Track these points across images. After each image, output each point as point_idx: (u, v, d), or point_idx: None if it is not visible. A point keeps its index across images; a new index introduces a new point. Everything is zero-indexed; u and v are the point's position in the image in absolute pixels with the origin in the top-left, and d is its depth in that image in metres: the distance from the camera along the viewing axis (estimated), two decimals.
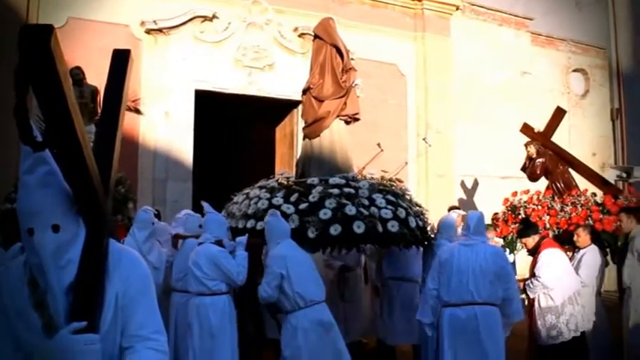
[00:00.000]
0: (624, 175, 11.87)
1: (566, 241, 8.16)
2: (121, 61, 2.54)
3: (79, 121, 1.94)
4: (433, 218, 8.15)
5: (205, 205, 6.33)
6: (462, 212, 9.21)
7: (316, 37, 7.38)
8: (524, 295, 7.02)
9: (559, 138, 9.92)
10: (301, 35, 11.59)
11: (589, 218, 8.36)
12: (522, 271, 9.59)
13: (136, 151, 10.27)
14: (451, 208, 10.05)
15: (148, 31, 10.48)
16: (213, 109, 11.71)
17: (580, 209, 8.57)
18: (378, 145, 8.02)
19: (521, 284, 7.12)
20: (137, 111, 10.14)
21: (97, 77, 7.48)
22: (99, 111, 7.11)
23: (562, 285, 6.73)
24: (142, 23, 10.43)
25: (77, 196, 2.21)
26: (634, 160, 15.39)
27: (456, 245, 5.84)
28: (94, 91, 8.36)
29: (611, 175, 11.71)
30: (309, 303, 5.44)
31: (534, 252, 6.97)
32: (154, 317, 2.39)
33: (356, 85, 7.15)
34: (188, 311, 5.96)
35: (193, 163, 10.75)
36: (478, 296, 5.45)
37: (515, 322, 5.73)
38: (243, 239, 6.03)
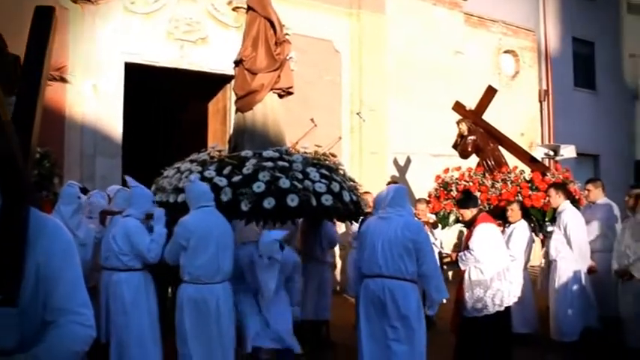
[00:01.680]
0: (551, 153, 12.23)
1: (497, 216, 8.35)
2: (44, 18, 2.38)
3: None
4: None
5: (129, 178, 6.17)
6: None
7: (249, 8, 7.27)
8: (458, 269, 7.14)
9: (489, 117, 10.07)
10: (235, 9, 11.38)
11: (519, 194, 8.56)
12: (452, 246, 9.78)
13: (63, 125, 9.91)
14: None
15: (76, 0, 10.08)
16: (143, 83, 11.42)
17: (510, 186, 8.76)
18: (312, 120, 7.96)
19: (454, 256, 7.26)
20: (63, 80, 9.76)
21: (19, 48, 7.14)
22: None
23: (493, 260, 6.88)
24: None
25: None
26: (560, 140, 15.86)
27: (374, 218, 5.87)
28: (16, 59, 7.95)
29: (539, 153, 12.04)
30: (194, 279, 5.34)
31: (470, 225, 7.09)
32: (78, 289, 2.25)
33: (290, 58, 7.09)
34: None
35: (123, 138, 10.47)
36: (386, 269, 5.45)
37: (437, 300, 5.71)
38: (161, 214, 5.86)
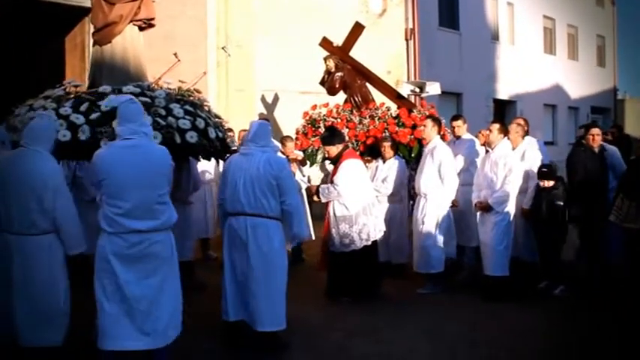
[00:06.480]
0: (417, 90, 12.52)
1: (369, 152, 8.52)
2: None
3: None
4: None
5: None
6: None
7: None
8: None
9: (356, 55, 10.09)
10: None
11: (386, 130, 8.71)
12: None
13: None
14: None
15: None
16: None
17: (377, 122, 8.89)
18: (175, 55, 7.61)
19: (313, 188, 7.34)
20: None
21: None
22: None
23: (358, 195, 7.00)
24: None
25: None
26: (424, 78, 16.27)
27: (237, 155, 5.78)
28: None
29: (405, 90, 12.29)
30: (8, 230, 4.78)
31: (336, 161, 7.15)
32: None
33: None
34: None
35: None
36: (248, 207, 5.39)
37: (298, 235, 5.70)
38: None
